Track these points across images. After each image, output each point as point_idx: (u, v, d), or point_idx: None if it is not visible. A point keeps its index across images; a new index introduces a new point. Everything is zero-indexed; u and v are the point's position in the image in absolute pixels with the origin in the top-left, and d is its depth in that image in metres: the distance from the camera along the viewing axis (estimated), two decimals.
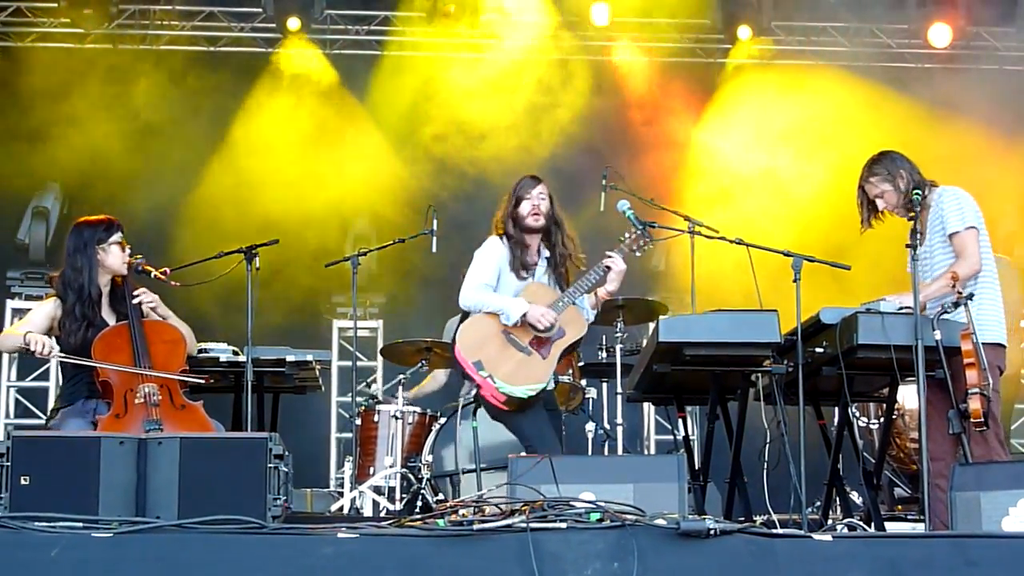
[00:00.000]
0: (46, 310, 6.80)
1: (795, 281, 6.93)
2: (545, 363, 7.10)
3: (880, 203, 7.16)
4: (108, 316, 6.83)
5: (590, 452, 8.76)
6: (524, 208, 7.28)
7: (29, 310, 11.42)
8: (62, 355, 6.61)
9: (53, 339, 6.61)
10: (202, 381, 6.78)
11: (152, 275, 6.80)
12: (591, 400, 9.76)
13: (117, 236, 6.86)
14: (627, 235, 7.34)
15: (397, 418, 9.29)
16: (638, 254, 7.38)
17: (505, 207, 7.35)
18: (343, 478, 9.87)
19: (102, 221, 6.91)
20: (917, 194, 6.69)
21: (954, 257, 6.97)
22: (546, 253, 7.34)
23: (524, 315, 7.07)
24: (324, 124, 12.32)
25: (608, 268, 7.22)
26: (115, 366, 6.58)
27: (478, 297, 7.19)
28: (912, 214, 6.94)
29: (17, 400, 11.88)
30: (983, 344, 6.59)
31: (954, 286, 6.71)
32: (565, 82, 12.19)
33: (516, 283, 7.24)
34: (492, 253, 7.31)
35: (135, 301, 6.79)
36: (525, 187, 7.33)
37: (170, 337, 6.82)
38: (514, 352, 7.09)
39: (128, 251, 6.88)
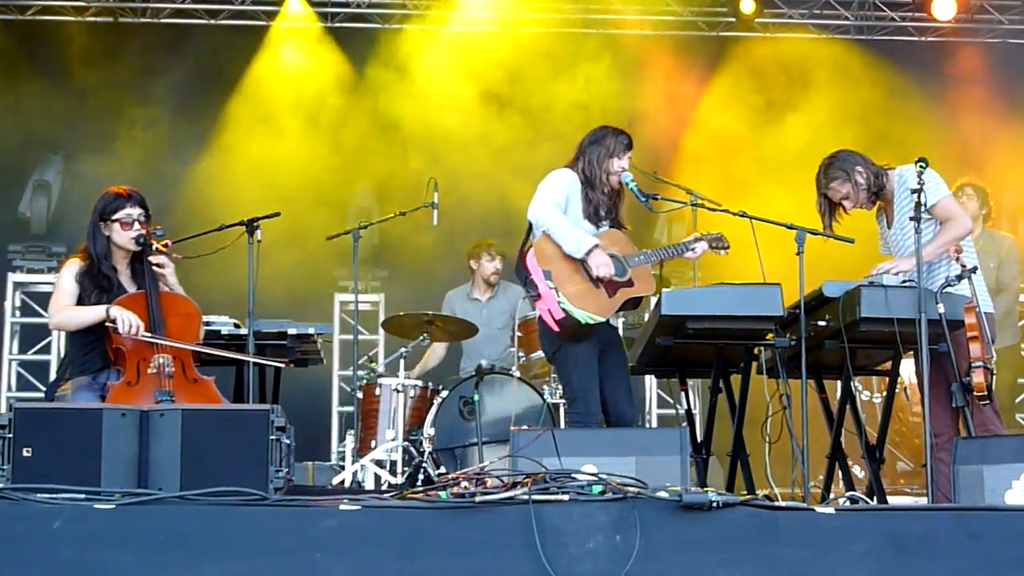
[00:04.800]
0: (72, 271, 6.77)
1: (798, 254, 6.90)
2: (610, 301, 7.04)
3: (847, 204, 7.20)
4: (129, 286, 6.82)
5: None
6: (615, 165, 7.18)
7: (31, 283, 11.69)
8: (148, 335, 6.59)
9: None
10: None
11: (154, 247, 6.78)
12: None
13: (122, 213, 6.78)
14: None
15: (399, 391, 9.28)
16: (722, 253, 7.38)
17: (593, 152, 7.20)
18: (345, 452, 9.87)
19: (111, 194, 6.86)
20: (922, 165, 6.67)
21: (932, 232, 6.99)
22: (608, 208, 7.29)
23: (590, 251, 6.97)
24: (325, 97, 12.28)
25: (689, 251, 7.26)
26: (186, 344, 6.60)
27: (550, 215, 7.05)
28: (881, 203, 7.19)
29: (19, 373, 11.87)
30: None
31: (958, 259, 6.73)
32: (567, 54, 12.15)
33: (587, 226, 7.14)
34: (565, 180, 7.18)
35: (152, 261, 6.78)
36: (624, 146, 7.21)
37: (185, 310, 6.81)
38: (584, 278, 7.01)
39: (137, 226, 6.82)
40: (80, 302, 6.71)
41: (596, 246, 6.99)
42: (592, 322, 6.97)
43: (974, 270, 6.71)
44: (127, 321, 6.49)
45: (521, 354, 9.44)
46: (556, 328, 6.96)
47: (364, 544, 4.89)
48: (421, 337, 9.48)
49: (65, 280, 6.78)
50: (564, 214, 7.10)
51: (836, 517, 5.13)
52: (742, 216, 7.27)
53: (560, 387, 8.36)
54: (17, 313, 11.83)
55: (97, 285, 6.72)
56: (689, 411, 8.17)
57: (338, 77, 12.48)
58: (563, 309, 6.92)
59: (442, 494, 5.07)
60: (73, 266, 6.79)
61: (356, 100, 12.34)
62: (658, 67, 12.44)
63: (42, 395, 10.84)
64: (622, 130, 7.31)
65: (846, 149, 7.28)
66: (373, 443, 9.30)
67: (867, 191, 7.14)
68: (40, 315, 11.82)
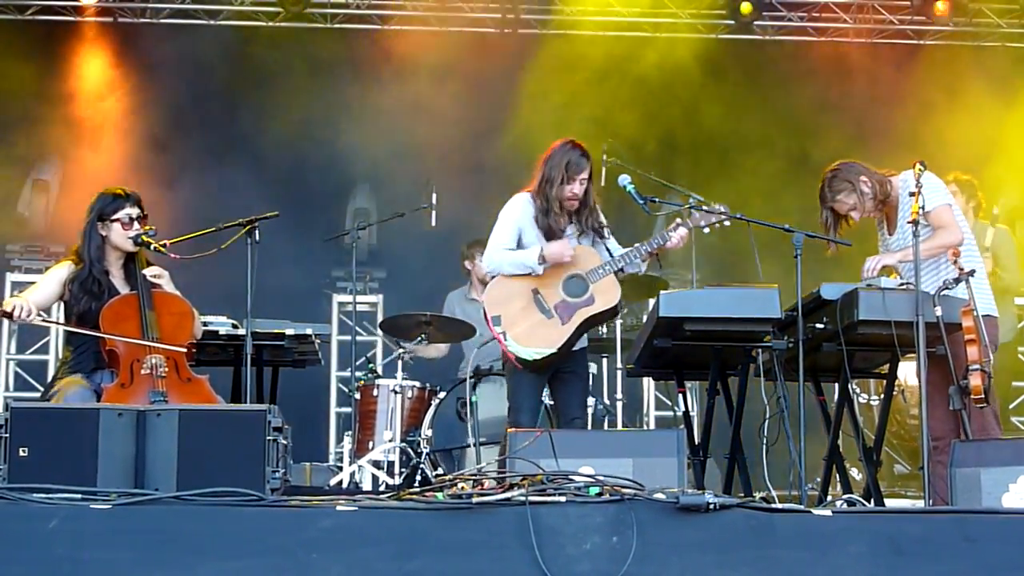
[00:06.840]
0: (59, 275, 6.79)
1: (796, 257, 6.91)
2: (563, 328, 7.06)
3: (855, 214, 7.19)
4: (122, 287, 6.83)
5: (590, 427, 8.75)
6: (566, 191, 7.12)
7: (29, 283, 11.66)
8: (40, 319, 6.60)
9: (59, 303, 6.61)
10: (183, 350, 6.77)
11: (152, 247, 6.78)
12: (591, 375, 9.75)
13: (122, 213, 6.81)
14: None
15: (396, 392, 9.28)
16: (706, 231, 7.28)
17: (547, 174, 7.14)
18: (342, 452, 9.87)
19: (109, 195, 6.88)
20: (920, 168, 6.68)
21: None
22: (573, 221, 7.26)
23: (543, 257, 7.03)
24: (325, 98, 12.27)
25: (668, 241, 7.16)
26: (90, 332, 6.59)
27: (498, 259, 7.19)
28: (886, 210, 7.18)
29: (16, 373, 11.86)
30: (981, 316, 6.62)
31: (955, 262, 6.72)
32: (566, 57, 12.14)
33: (545, 243, 7.15)
34: (513, 213, 7.24)
35: (148, 274, 6.79)
36: (577, 167, 7.11)
37: (178, 309, 6.81)
38: (535, 313, 7.07)
39: (137, 226, 6.82)
40: (69, 308, 6.72)
41: (543, 250, 7.04)
42: (540, 357, 7.03)
43: (971, 273, 6.70)
44: (15, 305, 6.50)
45: None
46: (519, 366, 7.04)
47: (360, 544, 4.89)
48: (419, 338, 9.47)
49: (46, 279, 6.80)
50: (521, 244, 7.17)
51: (833, 519, 5.13)
52: (740, 219, 7.27)
53: (549, 390, 8.37)
54: None
55: (87, 291, 6.71)
56: (687, 413, 8.17)
57: (338, 78, 12.46)
58: (511, 351, 7.01)
59: (439, 495, 5.08)
60: (62, 269, 6.79)
61: (355, 100, 12.31)
62: (656, 69, 12.41)
63: (39, 395, 10.88)
64: (576, 147, 7.18)
65: (846, 160, 7.27)
66: (371, 444, 9.31)
67: (873, 200, 7.14)
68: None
